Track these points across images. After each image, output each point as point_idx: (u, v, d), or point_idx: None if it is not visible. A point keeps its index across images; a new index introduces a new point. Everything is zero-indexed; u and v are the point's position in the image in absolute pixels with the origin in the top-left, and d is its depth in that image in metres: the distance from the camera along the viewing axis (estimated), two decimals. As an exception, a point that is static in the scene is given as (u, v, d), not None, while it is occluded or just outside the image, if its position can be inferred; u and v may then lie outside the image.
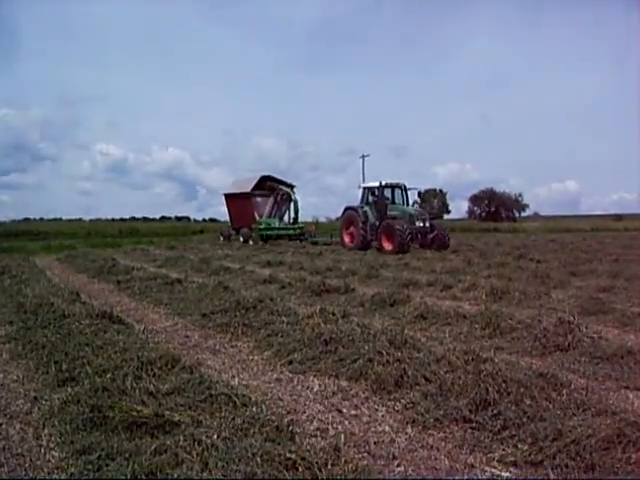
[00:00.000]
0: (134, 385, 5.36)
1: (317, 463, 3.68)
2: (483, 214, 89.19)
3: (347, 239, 29.56)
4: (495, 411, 4.82)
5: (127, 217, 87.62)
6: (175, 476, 3.53)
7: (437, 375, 5.68)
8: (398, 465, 4.17)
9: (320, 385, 6.11)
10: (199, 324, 9.43)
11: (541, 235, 45.91)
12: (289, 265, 19.05)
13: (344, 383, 6.12)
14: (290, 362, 6.94)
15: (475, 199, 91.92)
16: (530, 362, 6.55)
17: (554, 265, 17.65)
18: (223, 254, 25.41)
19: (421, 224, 26.92)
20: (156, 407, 4.78)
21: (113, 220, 79.97)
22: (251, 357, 7.40)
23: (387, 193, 28.86)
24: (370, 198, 28.95)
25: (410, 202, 29.75)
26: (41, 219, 72.23)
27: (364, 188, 29.86)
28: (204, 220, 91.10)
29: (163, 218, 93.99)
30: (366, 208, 28.47)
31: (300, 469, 3.64)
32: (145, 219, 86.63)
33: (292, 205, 39.04)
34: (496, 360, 5.90)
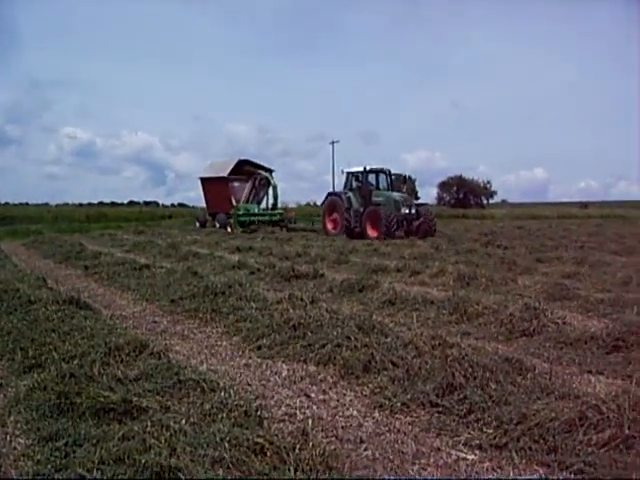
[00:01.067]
0: (101, 371, 5.33)
1: (285, 448, 3.70)
2: (452, 201, 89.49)
3: (330, 226, 28.81)
4: (461, 395, 4.88)
5: (95, 202, 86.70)
6: (143, 462, 3.52)
7: (404, 360, 5.73)
8: (365, 449, 4.21)
9: (288, 370, 6.13)
10: (167, 309, 9.40)
11: (508, 222, 46.32)
12: (258, 251, 19.01)
13: (312, 368, 6.15)
14: (259, 347, 6.96)
15: (444, 186, 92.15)
16: (496, 347, 6.64)
17: (521, 251, 17.83)
18: (192, 239, 25.25)
19: (407, 210, 26.17)
20: (124, 393, 4.76)
21: (80, 205, 79.01)
22: (220, 342, 7.40)
23: (371, 179, 28.22)
24: (354, 184, 28.20)
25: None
26: (6, 203, 71.02)
27: (348, 173, 29.00)
28: (173, 205, 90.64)
29: (131, 203, 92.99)
30: (350, 194, 27.71)
31: (268, 454, 3.66)
32: (113, 204, 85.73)
33: (271, 190, 37.76)
34: (463, 345, 5.98)
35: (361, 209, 26.72)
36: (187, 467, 3.44)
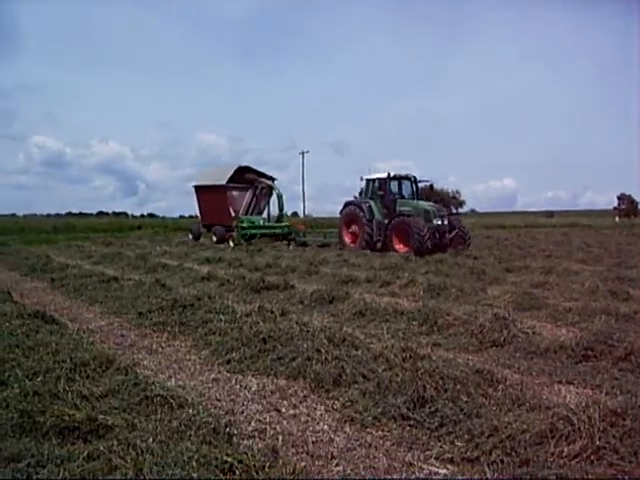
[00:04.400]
0: (66, 388, 5.18)
1: (254, 466, 3.63)
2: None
3: (348, 239, 25.76)
4: (432, 408, 4.86)
5: (63, 213, 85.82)
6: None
7: (375, 373, 5.71)
8: (337, 465, 4.16)
9: (258, 384, 6.06)
10: (135, 323, 9.25)
11: (477, 231, 46.67)
12: (228, 262, 18.88)
13: (282, 382, 6.09)
14: (228, 361, 6.87)
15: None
16: (467, 358, 6.64)
17: (490, 261, 17.99)
18: (161, 251, 25.01)
19: (439, 222, 23.23)
20: (89, 411, 4.64)
21: (48, 216, 78.21)
22: (188, 357, 7.30)
23: (393, 186, 25.24)
24: (374, 192, 25.21)
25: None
26: (-29, 215, 69.96)
27: (368, 180, 25.98)
28: (142, 216, 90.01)
29: (100, 213, 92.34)
30: (370, 203, 24.84)
31: (237, 472, 3.58)
32: (82, 214, 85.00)
33: (276, 200, 33.80)
34: (433, 357, 5.97)
35: (385, 220, 24.12)
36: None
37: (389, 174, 24.82)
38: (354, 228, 25.31)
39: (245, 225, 29.88)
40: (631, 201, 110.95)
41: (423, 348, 6.67)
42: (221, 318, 8.54)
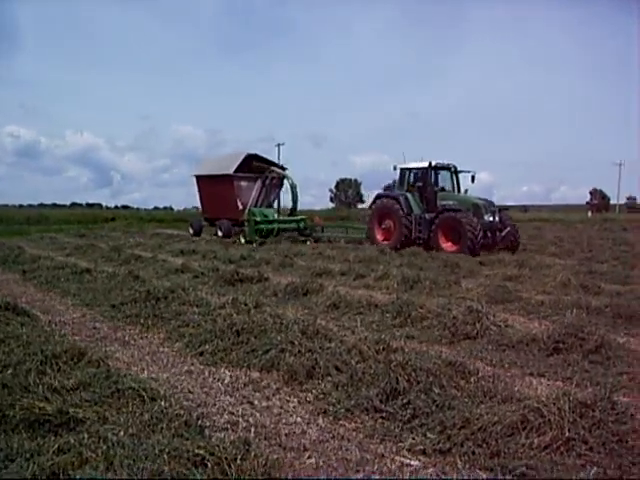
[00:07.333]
0: (37, 381, 5.11)
1: (226, 458, 3.61)
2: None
3: (380, 236, 22.41)
4: (405, 400, 4.88)
5: (36, 204, 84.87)
6: (78, 476, 3.39)
7: (348, 365, 5.72)
8: (309, 457, 4.17)
9: (231, 377, 6.05)
10: (108, 315, 9.17)
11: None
12: (202, 254, 18.77)
13: (256, 374, 6.08)
14: (201, 353, 6.85)
15: (389, 189, 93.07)
16: (440, 350, 6.66)
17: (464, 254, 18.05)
18: (135, 242, 24.80)
19: (491, 218, 20.56)
20: (60, 404, 4.59)
21: (21, 207, 77.24)
22: (161, 349, 7.26)
23: (433, 177, 22.26)
24: (411, 183, 22.55)
25: (462, 189, 22.72)
26: (-59, 205, 68.88)
27: (403, 170, 22.93)
28: (116, 207, 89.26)
29: (74, 205, 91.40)
30: (408, 195, 21.90)
31: (209, 465, 3.56)
32: (55, 205, 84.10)
33: (290, 191, 29.70)
34: (406, 349, 6.01)
35: (426, 215, 21.24)
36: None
37: (430, 163, 21.78)
38: (388, 223, 22.14)
39: (259, 219, 25.88)
40: (603, 196, 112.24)
41: (396, 340, 6.71)
42: (195, 310, 8.52)
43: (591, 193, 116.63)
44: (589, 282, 11.69)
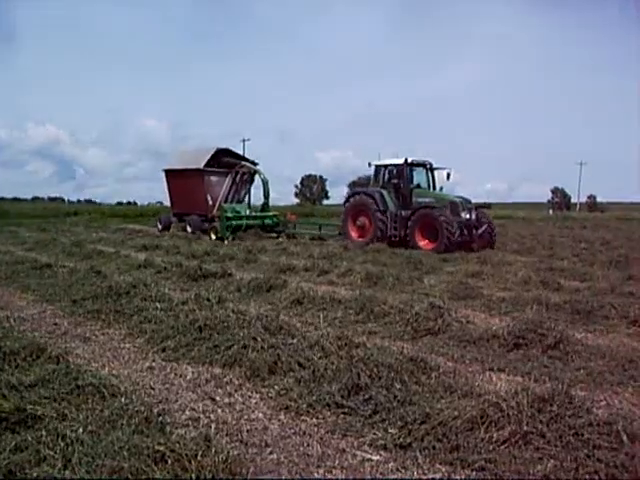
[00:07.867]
0: (-6, 377, 5.05)
1: (187, 455, 3.59)
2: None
3: (354, 233, 22.47)
4: (366, 396, 4.91)
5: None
6: (35, 475, 3.34)
7: (311, 361, 5.72)
8: (270, 453, 4.16)
9: (193, 373, 6.01)
10: (69, 311, 9.04)
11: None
12: (166, 249, 18.63)
13: (218, 370, 6.05)
14: (163, 349, 6.79)
15: (355, 185, 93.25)
16: (402, 346, 6.69)
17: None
18: (97, 237, 24.50)
19: (467, 216, 20.55)
20: (18, 401, 4.52)
21: (-20, 200, 75.75)
22: (123, 345, 7.17)
23: (409, 174, 22.15)
24: (386, 180, 22.57)
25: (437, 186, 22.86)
26: None
27: (377, 167, 23.04)
28: (79, 201, 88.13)
29: (35, 199, 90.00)
30: (383, 192, 21.80)
31: (169, 462, 3.54)
32: (15, 199, 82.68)
33: (259, 187, 29.28)
34: (368, 345, 6.05)
35: (402, 212, 21.19)
36: None
37: (406, 160, 21.71)
38: (362, 220, 22.12)
39: (230, 215, 25.50)
40: (564, 195, 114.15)
41: (359, 336, 6.75)
42: (157, 306, 8.44)
43: (553, 192, 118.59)
44: (549, 279, 11.88)
